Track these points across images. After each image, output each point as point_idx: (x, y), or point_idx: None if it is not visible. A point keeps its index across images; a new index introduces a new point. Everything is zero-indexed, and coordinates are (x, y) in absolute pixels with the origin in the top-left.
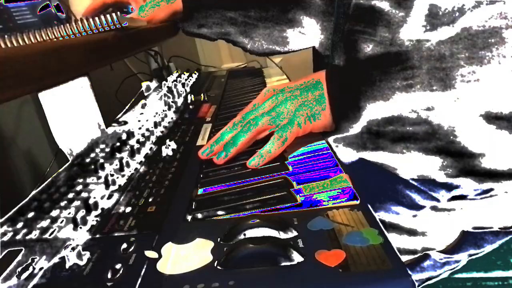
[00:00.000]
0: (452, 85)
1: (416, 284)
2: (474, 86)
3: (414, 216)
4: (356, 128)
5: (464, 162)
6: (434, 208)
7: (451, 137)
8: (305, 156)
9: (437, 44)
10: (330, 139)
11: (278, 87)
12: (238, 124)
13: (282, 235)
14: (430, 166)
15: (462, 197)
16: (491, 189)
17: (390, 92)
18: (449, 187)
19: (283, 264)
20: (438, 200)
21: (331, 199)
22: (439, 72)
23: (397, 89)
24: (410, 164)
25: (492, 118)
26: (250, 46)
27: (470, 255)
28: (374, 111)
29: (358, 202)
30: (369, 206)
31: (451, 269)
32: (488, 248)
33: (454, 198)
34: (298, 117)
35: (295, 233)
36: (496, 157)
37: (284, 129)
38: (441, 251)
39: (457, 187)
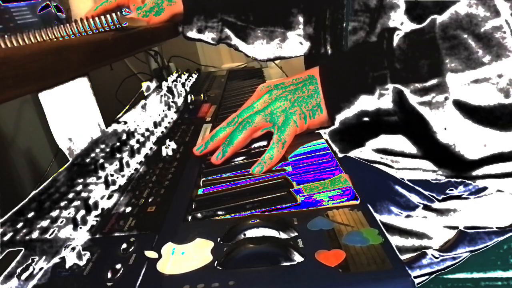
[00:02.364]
0: (440, 74)
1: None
2: (459, 78)
3: (409, 216)
4: (351, 120)
5: (454, 162)
6: (428, 208)
7: (437, 136)
8: (305, 156)
9: (418, 33)
10: (327, 135)
11: (273, 83)
12: (233, 121)
13: (282, 235)
14: (422, 167)
15: (456, 197)
16: (485, 188)
17: (379, 83)
18: (442, 187)
19: (283, 264)
20: (432, 200)
21: (331, 199)
22: (423, 61)
23: (386, 80)
24: (402, 163)
25: (473, 112)
26: (250, 51)
27: (469, 252)
28: (367, 102)
29: (358, 202)
30: (369, 206)
31: (449, 266)
32: (486, 246)
33: (448, 198)
34: (293, 115)
35: (295, 233)
36: (482, 154)
37: (282, 132)
38: (438, 250)
39: (450, 186)
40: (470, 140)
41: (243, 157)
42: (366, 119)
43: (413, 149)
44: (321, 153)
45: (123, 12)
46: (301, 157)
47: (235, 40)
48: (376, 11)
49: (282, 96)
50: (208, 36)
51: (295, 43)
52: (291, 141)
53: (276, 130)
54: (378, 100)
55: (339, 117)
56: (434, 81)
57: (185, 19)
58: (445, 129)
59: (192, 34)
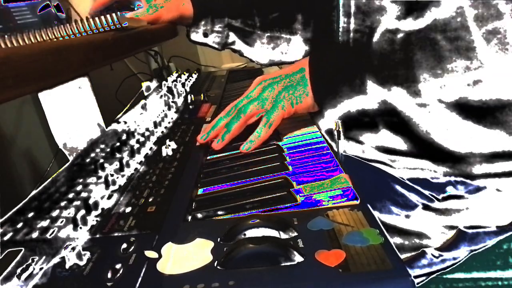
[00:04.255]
0: (439, 73)
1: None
2: (456, 78)
3: (408, 216)
4: (337, 109)
5: (451, 161)
6: (428, 208)
7: (429, 136)
8: (305, 154)
9: (408, 34)
10: (323, 130)
11: (268, 76)
12: (230, 111)
13: (282, 235)
14: (421, 166)
15: (456, 197)
16: (484, 187)
17: (363, 83)
18: (442, 186)
19: (283, 264)
20: (432, 200)
21: (331, 199)
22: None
23: (373, 80)
24: (402, 162)
25: (465, 110)
26: (255, 56)
27: (469, 251)
28: (353, 101)
29: (358, 202)
30: (369, 206)
31: (449, 266)
32: (486, 245)
33: (448, 197)
34: (281, 101)
35: (295, 233)
36: (477, 152)
37: (270, 114)
38: (438, 249)
39: (449, 186)
40: (467, 138)
41: (244, 156)
42: (366, 119)
43: (408, 148)
44: (320, 153)
45: (135, 7)
46: (301, 156)
47: (240, 45)
48: (368, 14)
49: (272, 85)
50: (213, 40)
51: (297, 47)
52: (279, 123)
53: (265, 113)
54: (364, 100)
55: (326, 105)
56: (426, 83)
57: (193, 21)
58: (437, 128)
59: (197, 37)
